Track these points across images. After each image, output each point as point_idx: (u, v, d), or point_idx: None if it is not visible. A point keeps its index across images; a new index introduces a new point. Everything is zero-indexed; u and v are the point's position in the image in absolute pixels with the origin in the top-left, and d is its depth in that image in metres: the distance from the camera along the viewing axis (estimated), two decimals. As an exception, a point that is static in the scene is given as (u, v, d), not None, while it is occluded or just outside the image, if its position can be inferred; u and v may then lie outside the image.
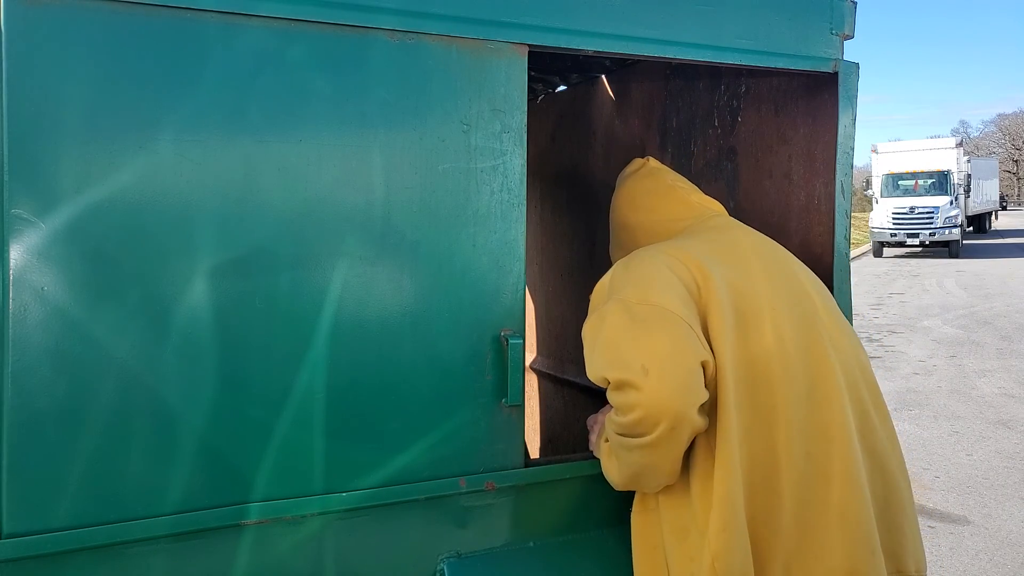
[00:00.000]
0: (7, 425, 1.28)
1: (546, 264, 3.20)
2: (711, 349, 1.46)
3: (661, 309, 1.43)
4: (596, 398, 2.86)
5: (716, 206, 1.86)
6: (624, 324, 1.42)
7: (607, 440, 1.54)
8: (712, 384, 1.45)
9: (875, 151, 27.35)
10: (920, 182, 25.90)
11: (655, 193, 1.86)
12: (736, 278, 1.56)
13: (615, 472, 1.53)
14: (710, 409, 1.46)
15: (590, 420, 1.79)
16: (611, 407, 1.47)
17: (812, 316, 1.59)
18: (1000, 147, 74.55)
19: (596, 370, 1.45)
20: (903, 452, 1.67)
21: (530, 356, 3.32)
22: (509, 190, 1.59)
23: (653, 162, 1.96)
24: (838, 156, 1.91)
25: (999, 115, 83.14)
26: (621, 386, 1.38)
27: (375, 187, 1.48)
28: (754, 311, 1.53)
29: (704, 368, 1.42)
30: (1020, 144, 75.29)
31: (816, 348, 1.56)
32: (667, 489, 1.54)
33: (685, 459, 1.50)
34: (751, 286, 1.56)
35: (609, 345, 1.43)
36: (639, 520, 1.61)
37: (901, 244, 25.41)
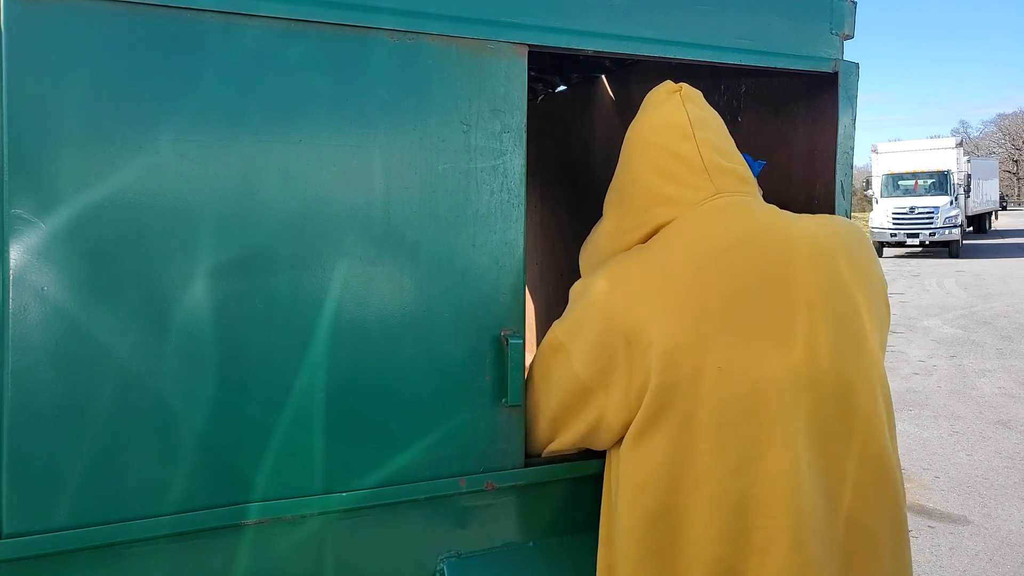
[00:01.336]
0: (7, 425, 1.28)
1: (546, 264, 3.20)
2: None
3: (569, 368, 1.53)
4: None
5: (734, 180, 1.55)
6: (539, 370, 1.63)
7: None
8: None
9: (875, 151, 27.36)
10: (920, 182, 25.92)
11: (679, 157, 1.52)
12: (688, 303, 1.41)
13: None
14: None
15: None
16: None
17: (783, 347, 1.41)
18: (1000, 147, 74.57)
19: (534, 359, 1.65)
20: (904, 457, 1.57)
21: (530, 356, 3.32)
22: (509, 190, 1.59)
23: (686, 92, 1.60)
24: (838, 156, 1.91)
25: (999, 115, 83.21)
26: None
27: (375, 187, 1.48)
28: (698, 346, 1.39)
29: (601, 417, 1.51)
30: (1020, 144, 75.29)
31: (766, 393, 1.39)
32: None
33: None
34: (707, 316, 1.40)
35: (532, 373, 1.65)
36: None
37: (901, 244, 25.41)
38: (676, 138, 1.54)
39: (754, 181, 1.61)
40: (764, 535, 1.38)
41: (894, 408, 1.59)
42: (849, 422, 1.44)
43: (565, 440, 1.60)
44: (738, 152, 1.63)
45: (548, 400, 1.59)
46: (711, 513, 1.39)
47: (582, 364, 1.50)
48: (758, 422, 1.39)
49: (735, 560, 1.39)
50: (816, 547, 1.39)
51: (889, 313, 1.61)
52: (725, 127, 1.64)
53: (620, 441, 1.51)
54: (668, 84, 1.64)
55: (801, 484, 1.38)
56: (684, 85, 1.63)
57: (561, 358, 1.55)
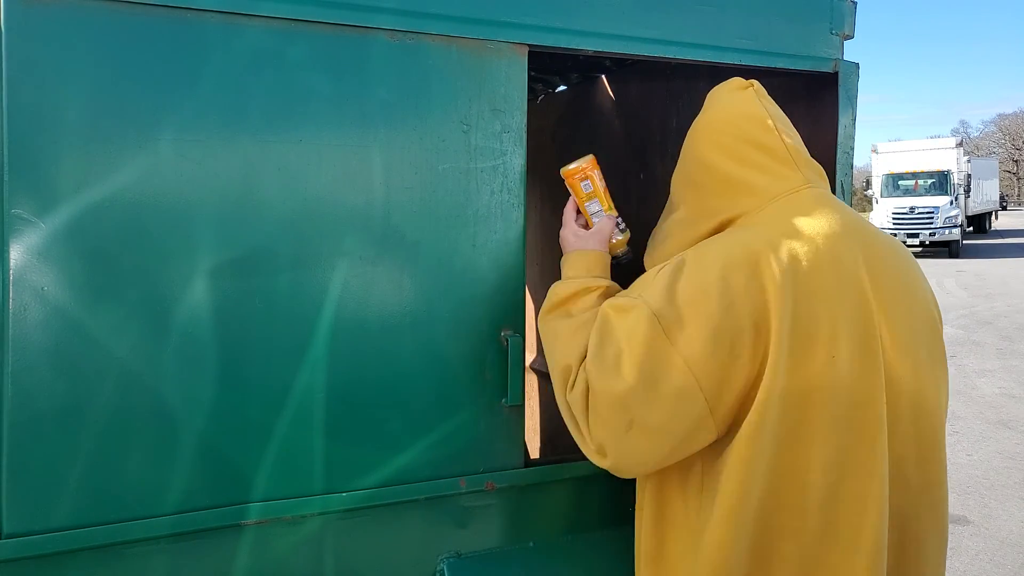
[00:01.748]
0: (7, 425, 1.28)
1: (546, 264, 3.20)
2: (761, 366, 1.32)
3: (681, 364, 1.30)
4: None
5: (816, 173, 1.53)
6: (635, 371, 1.31)
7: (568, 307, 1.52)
8: (741, 413, 1.33)
9: (875, 151, 27.35)
10: (920, 182, 25.90)
11: (762, 147, 1.48)
12: (809, 290, 1.34)
13: (557, 355, 1.46)
14: (731, 439, 1.34)
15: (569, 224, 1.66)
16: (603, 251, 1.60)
17: (872, 342, 1.37)
18: (1000, 147, 74.50)
19: (593, 358, 1.37)
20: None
21: (530, 356, 3.32)
22: (509, 190, 1.59)
23: (758, 88, 1.57)
24: (838, 156, 1.91)
25: (999, 115, 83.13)
26: (596, 413, 1.36)
27: (375, 187, 1.48)
28: (813, 334, 1.33)
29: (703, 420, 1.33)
30: (1020, 144, 75.27)
31: (868, 388, 1.35)
32: (658, 506, 1.46)
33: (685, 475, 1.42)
34: (820, 302, 1.35)
35: (614, 357, 1.33)
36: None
37: (901, 244, 25.35)
38: (757, 129, 1.49)
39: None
40: (854, 532, 1.35)
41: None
42: (920, 423, 1.44)
43: (664, 449, 1.35)
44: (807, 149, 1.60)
45: (651, 406, 1.31)
46: (804, 507, 1.34)
47: (698, 357, 1.29)
48: (862, 415, 1.35)
49: (823, 554, 1.35)
50: (885, 551, 1.39)
51: (935, 326, 1.54)
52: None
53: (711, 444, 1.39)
54: (738, 80, 1.60)
55: (885, 483, 1.37)
56: (755, 82, 1.59)
57: (662, 352, 1.31)
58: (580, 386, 1.39)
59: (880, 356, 1.37)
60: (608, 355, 1.35)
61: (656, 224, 1.65)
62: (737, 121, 1.50)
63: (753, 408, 1.31)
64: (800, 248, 1.36)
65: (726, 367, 1.30)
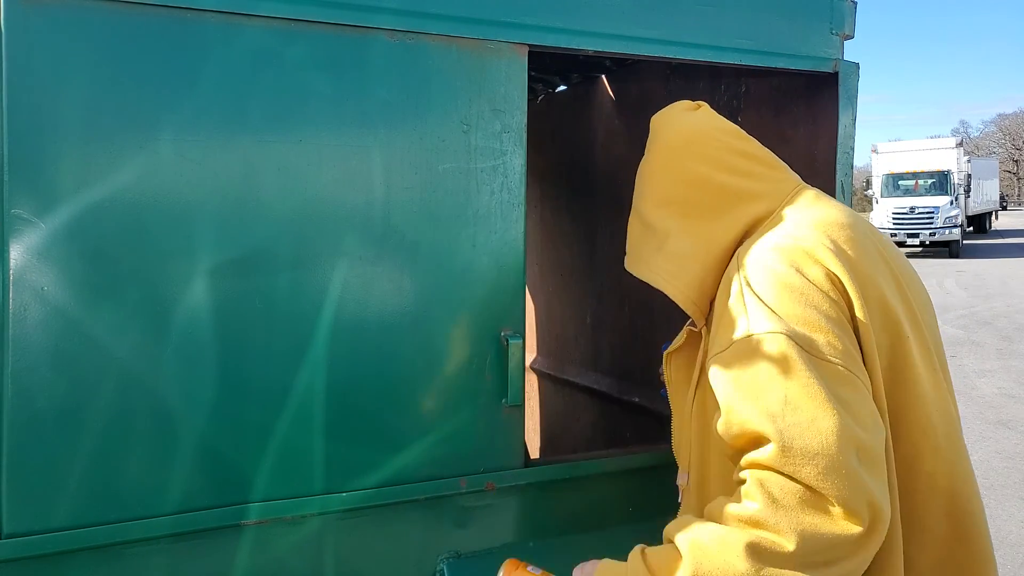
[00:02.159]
0: (7, 425, 1.28)
1: (546, 264, 3.20)
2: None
3: (854, 376, 1.17)
4: (596, 397, 2.85)
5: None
6: (820, 397, 1.12)
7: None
8: None
9: (875, 151, 27.37)
10: (920, 182, 25.92)
11: (750, 156, 1.46)
12: (862, 276, 1.29)
13: None
14: None
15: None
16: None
17: (919, 325, 1.35)
18: (1000, 147, 74.45)
19: (766, 428, 1.12)
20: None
21: (530, 356, 3.32)
22: (509, 190, 1.59)
23: (709, 107, 1.55)
24: (838, 156, 1.91)
25: (999, 115, 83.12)
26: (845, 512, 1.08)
27: (375, 187, 1.48)
28: (878, 315, 1.28)
29: None
30: (1020, 144, 75.24)
31: (933, 369, 1.33)
32: None
33: None
34: (872, 287, 1.30)
35: (807, 426, 1.10)
36: None
37: (901, 244, 25.33)
38: (736, 139, 1.47)
39: None
40: (970, 522, 1.32)
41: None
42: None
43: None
44: None
45: (859, 425, 1.13)
46: (927, 507, 1.30)
47: (841, 354, 1.19)
48: (941, 393, 1.34)
49: (959, 556, 1.32)
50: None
51: (935, 317, 1.54)
52: None
53: None
54: (686, 102, 1.57)
55: (973, 471, 1.35)
56: (703, 103, 1.57)
57: (817, 366, 1.16)
58: (793, 498, 1.08)
59: (928, 337, 1.35)
60: (785, 415, 1.12)
61: (632, 260, 1.51)
62: (716, 135, 1.46)
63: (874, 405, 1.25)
64: (839, 237, 1.33)
65: (859, 359, 1.21)
